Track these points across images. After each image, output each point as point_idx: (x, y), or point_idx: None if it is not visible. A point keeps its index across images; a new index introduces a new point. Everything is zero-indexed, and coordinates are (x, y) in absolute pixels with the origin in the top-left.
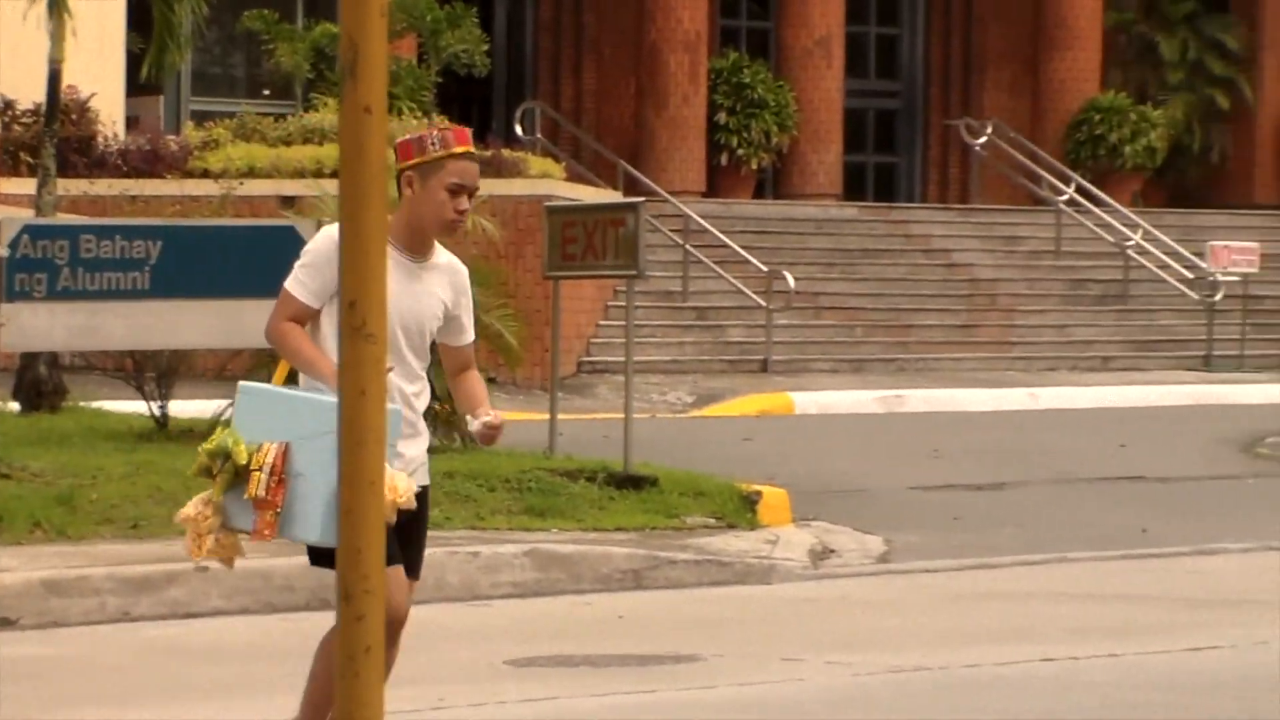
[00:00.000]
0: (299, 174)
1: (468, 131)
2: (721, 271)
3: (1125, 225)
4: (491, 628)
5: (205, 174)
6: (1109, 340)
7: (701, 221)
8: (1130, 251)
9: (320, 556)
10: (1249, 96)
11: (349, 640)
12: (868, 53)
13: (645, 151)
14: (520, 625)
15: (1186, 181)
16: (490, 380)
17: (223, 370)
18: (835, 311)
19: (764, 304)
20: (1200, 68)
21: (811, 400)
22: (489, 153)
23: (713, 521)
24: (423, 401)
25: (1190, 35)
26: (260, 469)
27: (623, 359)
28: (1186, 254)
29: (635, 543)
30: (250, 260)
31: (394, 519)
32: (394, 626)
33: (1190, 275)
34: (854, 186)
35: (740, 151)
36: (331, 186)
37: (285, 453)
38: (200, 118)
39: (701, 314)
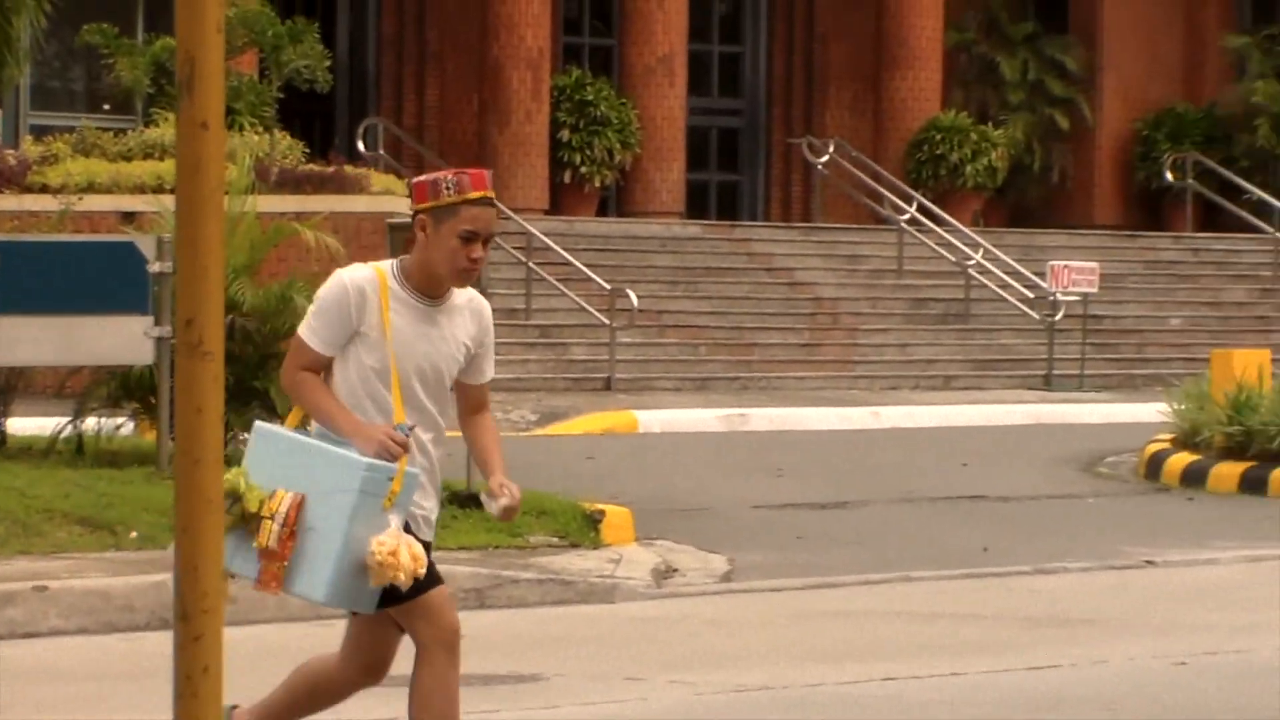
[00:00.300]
0: (139, 190)
1: (486, 175)
2: (565, 289)
3: (966, 245)
4: (332, 647)
5: (44, 189)
6: (951, 359)
7: (544, 239)
8: (971, 271)
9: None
10: (1089, 117)
11: (186, 660)
12: (711, 71)
13: (488, 168)
14: None
15: (1027, 201)
16: None
17: (62, 388)
18: (678, 330)
19: (607, 322)
20: (1040, 88)
21: (655, 419)
22: (330, 168)
23: (556, 540)
24: (439, 449)
25: (1030, 56)
26: (272, 518)
27: None
28: (1027, 274)
29: (478, 561)
30: (90, 277)
31: (409, 585)
32: (456, 642)
33: (1031, 295)
34: (697, 204)
35: (583, 169)
36: (172, 202)
37: (300, 505)
38: (39, 132)
39: (545, 332)
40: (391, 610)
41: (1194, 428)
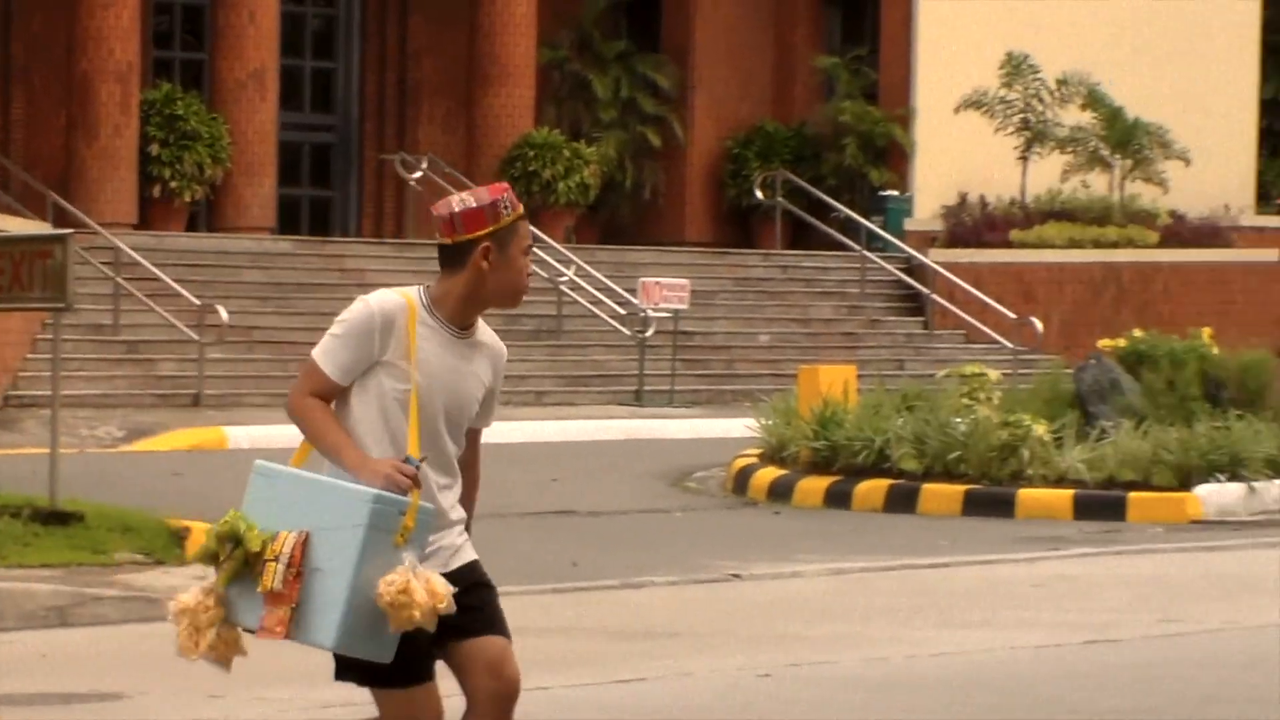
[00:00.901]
0: None
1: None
2: (153, 305)
3: (559, 261)
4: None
5: None
6: (543, 375)
7: (133, 254)
8: (563, 287)
9: (346, 669)
10: (680, 135)
11: None
12: (303, 86)
13: (76, 183)
14: None
15: (619, 218)
16: None
17: None
18: (269, 345)
19: (196, 338)
20: (633, 106)
21: (244, 434)
22: None
23: (141, 558)
24: (453, 494)
25: (623, 74)
26: (276, 559)
27: (50, 393)
28: (619, 290)
29: (60, 580)
30: None
31: (434, 626)
32: (507, 702)
33: (622, 311)
34: (289, 220)
35: (173, 184)
36: None
37: (304, 543)
38: None
39: (132, 347)
40: (443, 657)
41: (781, 443)
